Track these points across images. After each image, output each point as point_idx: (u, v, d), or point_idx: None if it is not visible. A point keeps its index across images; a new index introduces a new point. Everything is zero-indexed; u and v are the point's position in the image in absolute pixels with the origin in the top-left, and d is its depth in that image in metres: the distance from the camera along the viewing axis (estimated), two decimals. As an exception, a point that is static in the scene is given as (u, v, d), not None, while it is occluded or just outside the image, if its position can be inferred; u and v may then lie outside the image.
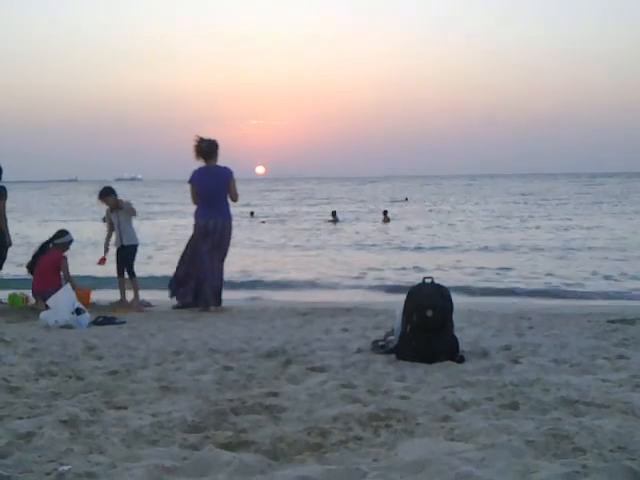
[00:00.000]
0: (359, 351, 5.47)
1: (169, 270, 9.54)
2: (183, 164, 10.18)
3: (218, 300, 8.82)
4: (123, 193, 9.78)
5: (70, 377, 4.60)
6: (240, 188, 9.01)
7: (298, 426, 3.38)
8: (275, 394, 4.06)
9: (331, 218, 30.87)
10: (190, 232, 9.08)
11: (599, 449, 2.96)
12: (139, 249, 9.57)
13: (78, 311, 7.37)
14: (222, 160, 8.95)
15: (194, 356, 5.37)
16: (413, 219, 32.08)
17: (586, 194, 56.16)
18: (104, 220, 10.70)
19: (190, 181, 8.96)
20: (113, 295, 9.63)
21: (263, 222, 31.25)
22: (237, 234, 9.37)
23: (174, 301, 9.08)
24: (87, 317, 7.45)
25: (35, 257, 8.99)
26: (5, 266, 9.50)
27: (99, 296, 9.72)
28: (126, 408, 3.80)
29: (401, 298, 5.34)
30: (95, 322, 7.53)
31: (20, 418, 3.54)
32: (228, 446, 3.11)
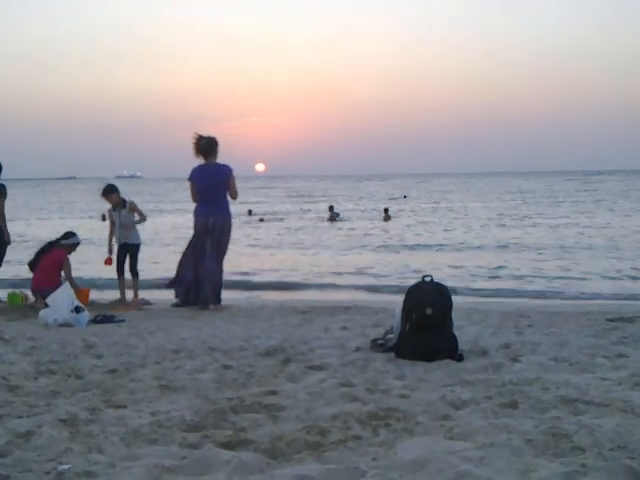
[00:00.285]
0: (358, 349, 5.47)
1: (167, 269, 9.55)
2: (183, 162, 10.18)
3: (217, 298, 8.81)
4: (123, 191, 9.77)
5: (69, 376, 4.59)
6: (239, 185, 9.01)
7: (297, 425, 3.38)
8: (274, 393, 4.06)
9: (329, 214, 30.74)
10: (190, 230, 9.08)
11: (598, 448, 2.95)
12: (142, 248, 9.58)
13: (77, 309, 7.37)
14: (222, 158, 8.96)
15: (193, 355, 5.37)
16: (413, 217, 32.08)
17: (584, 192, 56.20)
18: (103, 218, 10.70)
19: (190, 179, 8.95)
20: (112, 294, 9.64)
21: (261, 220, 31.23)
22: (235, 232, 9.35)
23: (173, 299, 9.08)
24: (86, 315, 7.45)
25: (38, 255, 8.99)
26: (5, 266, 9.50)
27: (98, 295, 9.74)
28: (125, 407, 3.80)
29: (400, 296, 5.35)
30: (94, 320, 7.53)
31: (19, 417, 3.54)
32: (227, 445, 3.11)
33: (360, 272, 14.14)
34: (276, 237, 23.39)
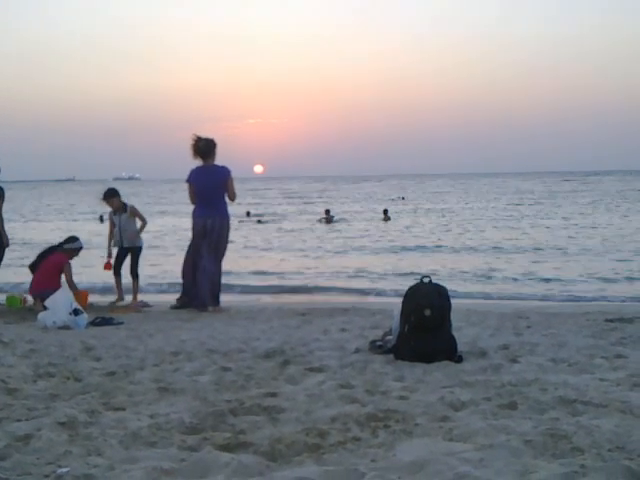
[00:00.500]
0: (357, 351, 5.47)
1: (167, 271, 9.53)
2: (181, 163, 10.18)
3: (216, 300, 8.81)
4: (121, 193, 9.77)
5: (68, 378, 4.59)
6: (237, 187, 9.00)
7: (296, 427, 3.38)
8: (273, 395, 4.06)
9: (324, 216, 30.77)
10: (189, 233, 9.08)
11: (597, 449, 2.96)
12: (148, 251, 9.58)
13: (76, 312, 7.36)
14: (220, 159, 8.95)
15: (192, 357, 5.37)
16: (412, 218, 32.08)
17: (582, 192, 56.24)
18: (101, 220, 10.71)
19: (188, 180, 8.95)
20: (111, 297, 9.64)
21: (259, 222, 31.29)
22: (232, 234, 9.34)
23: (172, 301, 9.08)
24: (85, 318, 7.44)
25: (39, 258, 8.99)
26: (4, 269, 9.49)
27: (97, 297, 9.72)
28: (124, 409, 3.79)
29: (399, 298, 5.35)
30: (93, 323, 7.52)
31: (18, 420, 3.54)
32: (226, 447, 3.11)
33: (360, 274, 14.11)
34: (273, 239, 23.35)
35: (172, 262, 15.61)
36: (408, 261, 16.37)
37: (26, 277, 9.29)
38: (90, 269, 11.46)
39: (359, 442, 3.17)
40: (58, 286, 8.35)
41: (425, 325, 5.05)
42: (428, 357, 4.96)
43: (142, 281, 9.73)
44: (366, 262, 16.18)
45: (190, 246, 8.97)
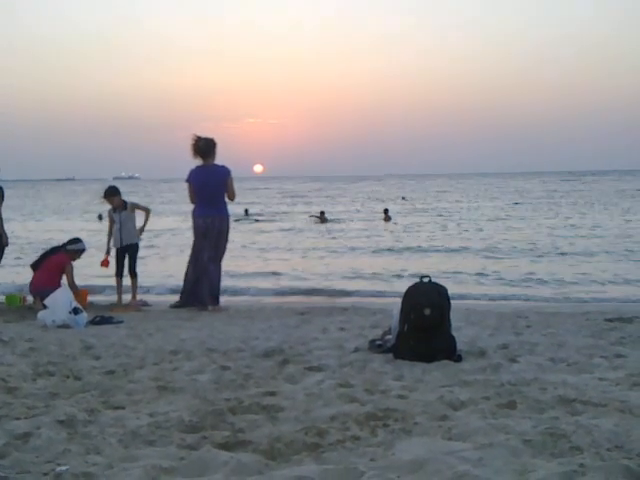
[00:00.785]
0: (356, 350, 5.47)
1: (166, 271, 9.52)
2: (181, 163, 10.18)
3: (215, 300, 8.81)
4: (121, 192, 9.77)
5: (68, 377, 4.59)
6: (236, 186, 8.99)
7: (295, 426, 3.38)
8: (272, 394, 4.06)
9: (318, 216, 30.85)
10: (189, 232, 9.08)
11: (596, 448, 2.96)
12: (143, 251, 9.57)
13: (75, 311, 7.36)
14: (219, 159, 8.95)
15: (191, 356, 5.37)
16: (413, 218, 32.08)
17: (581, 192, 56.25)
18: (99, 218, 10.72)
19: (187, 180, 8.95)
20: (111, 297, 9.64)
21: (257, 220, 31.43)
22: (231, 233, 9.32)
23: (171, 301, 9.08)
24: (85, 317, 7.44)
25: (42, 257, 9.00)
26: (4, 269, 9.50)
27: (97, 296, 9.73)
28: (123, 408, 3.80)
29: (399, 297, 5.35)
30: (93, 322, 7.52)
31: (18, 418, 3.54)
32: (225, 446, 3.11)
33: (361, 275, 14.06)
34: (271, 239, 23.33)
35: (171, 262, 15.66)
36: (409, 262, 16.33)
37: (24, 277, 9.30)
38: (87, 268, 11.46)
39: (358, 441, 3.17)
40: (58, 285, 8.36)
41: (425, 324, 5.05)
42: (427, 356, 4.96)
43: (141, 281, 9.71)
44: (366, 263, 16.15)
45: (192, 249, 8.97)
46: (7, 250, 9.26)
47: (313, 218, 30.56)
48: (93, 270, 10.92)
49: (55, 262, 8.80)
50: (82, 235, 10.46)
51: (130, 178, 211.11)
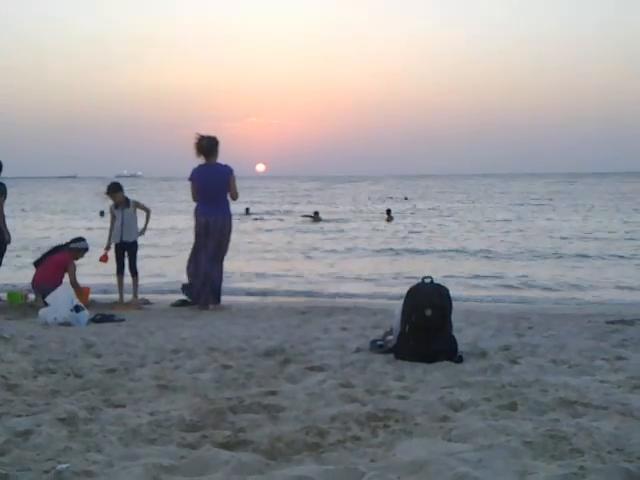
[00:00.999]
0: (358, 350, 5.47)
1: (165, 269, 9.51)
2: (183, 161, 10.19)
3: (217, 298, 8.82)
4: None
5: (68, 375, 4.60)
6: (238, 185, 8.98)
7: (296, 426, 3.38)
8: (273, 393, 4.06)
9: (312, 216, 30.94)
10: (191, 231, 9.08)
11: (597, 450, 2.95)
12: (143, 251, 9.56)
13: (77, 308, 7.38)
14: (222, 158, 8.96)
15: (193, 354, 5.37)
16: (415, 219, 32.07)
17: (580, 194, 56.20)
18: (101, 214, 10.74)
19: (190, 178, 8.95)
20: (112, 295, 9.64)
21: (256, 219, 31.58)
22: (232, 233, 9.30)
23: (173, 299, 9.08)
24: (86, 314, 7.45)
25: (45, 255, 9.02)
26: (4, 269, 9.51)
27: (98, 294, 9.73)
28: (124, 406, 3.80)
29: (400, 298, 5.35)
30: (94, 320, 7.53)
31: (18, 416, 3.54)
32: (226, 445, 3.11)
33: (362, 276, 14.03)
34: (270, 238, 23.31)
35: (171, 261, 15.66)
36: (412, 263, 16.32)
37: (25, 274, 9.31)
38: (89, 266, 11.46)
39: (359, 441, 3.17)
40: (60, 283, 8.36)
41: (426, 325, 5.05)
42: (428, 357, 4.95)
43: (141, 280, 9.71)
44: (368, 264, 16.15)
45: (193, 247, 8.97)
46: (9, 247, 9.28)
47: (308, 218, 30.65)
48: (94, 268, 10.92)
49: (57, 260, 8.82)
50: (82, 233, 10.47)
51: (132, 176, 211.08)
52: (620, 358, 5.10)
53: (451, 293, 5.28)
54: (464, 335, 5.89)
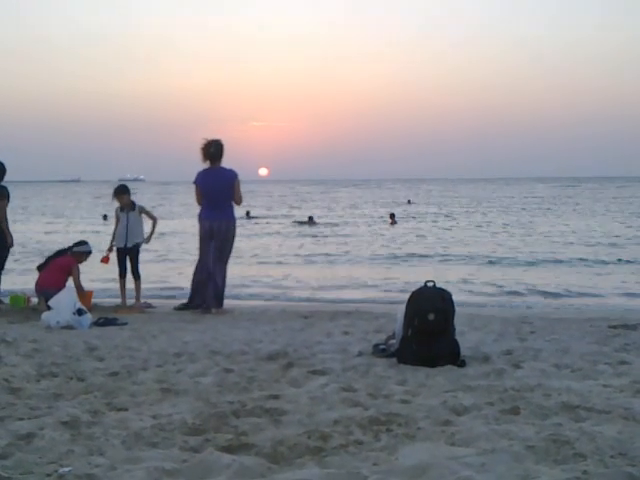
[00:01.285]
0: (360, 354, 5.46)
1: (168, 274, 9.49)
2: (186, 165, 10.21)
3: (220, 302, 8.81)
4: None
5: (71, 378, 4.60)
6: (242, 189, 8.98)
7: (298, 429, 3.37)
8: (276, 397, 4.06)
9: (306, 221, 31.13)
10: (195, 236, 9.08)
11: (600, 455, 2.95)
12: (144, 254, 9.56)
13: (79, 312, 7.38)
14: (225, 161, 8.94)
15: (195, 358, 5.37)
16: (419, 223, 32.05)
17: (581, 198, 56.15)
18: (104, 217, 10.73)
19: (195, 182, 8.96)
20: (115, 298, 9.63)
21: (256, 223, 31.75)
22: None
23: (175, 303, 9.08)
24: (89, 318, 7.45)
25: (48, 259, 9.03)
26: (9, 270, 9.53)
27: (101, 298, 9.73)
28: (127, 410, 3.80)
29: (403, 302, 5.34)
30: (96, 323, 7.53)
31: (21, 419, 3.55)
32: (228, 449, 3.11)
33: (365, 282, 13.97)
34: (268, 242, 23.30)
35: (173, 265, 15.65)
36: (414, 267, 16.28)
37: (28, 279, 9.31)
38: (92, 270, 11.47)
39: (361, 445, 3.17)
40: (63, 286, 8.36)
41: (429, 329, 5.04)
42: (431, 361, 4.95)
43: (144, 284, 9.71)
44: (372, 268, 16.11)
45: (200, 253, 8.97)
46: (12, 250, 9.30)
47: (304, 225, 30.78)
48: (98, 273, 10.92)
49: (60, 264, 8.83)
50: (87, 237, 10.47)
51: (135, 180, 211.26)
52: (623, 362, 5.09)
53: (454, 297, 5.28)
54: (467, 339, 5.89)
